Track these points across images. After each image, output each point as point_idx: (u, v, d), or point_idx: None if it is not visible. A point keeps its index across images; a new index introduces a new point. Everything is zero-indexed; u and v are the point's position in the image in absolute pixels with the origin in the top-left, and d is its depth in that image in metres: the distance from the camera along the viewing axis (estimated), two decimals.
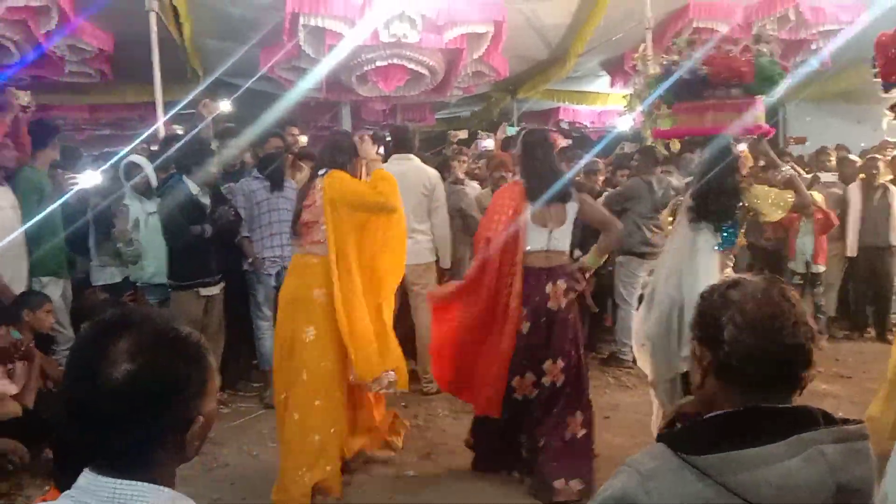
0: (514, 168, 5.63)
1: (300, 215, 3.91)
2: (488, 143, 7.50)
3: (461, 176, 6.26)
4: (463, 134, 8.69)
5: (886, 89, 3.47)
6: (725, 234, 3.73)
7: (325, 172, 3.85)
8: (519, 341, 3.85)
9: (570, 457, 3.83)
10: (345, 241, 3.81)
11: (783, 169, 3.88)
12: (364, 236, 3.93)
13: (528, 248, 3.88)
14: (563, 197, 3.91)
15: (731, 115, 3.64)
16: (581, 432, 3.90)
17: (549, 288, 3.86)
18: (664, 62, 3.86)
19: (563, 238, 3.95)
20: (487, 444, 4.07)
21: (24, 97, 4.85)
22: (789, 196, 3.72)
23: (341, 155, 3.92)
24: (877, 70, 3.44)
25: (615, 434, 4.63)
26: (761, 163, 4.33)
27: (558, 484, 3.72)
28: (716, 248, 3.71)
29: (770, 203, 3.72)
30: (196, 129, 5.48)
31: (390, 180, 3.96)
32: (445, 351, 4.08)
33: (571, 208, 3.94)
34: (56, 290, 5.06)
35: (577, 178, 6.39)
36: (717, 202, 3.65)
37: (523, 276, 3.85)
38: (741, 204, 3.70)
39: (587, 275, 4.14)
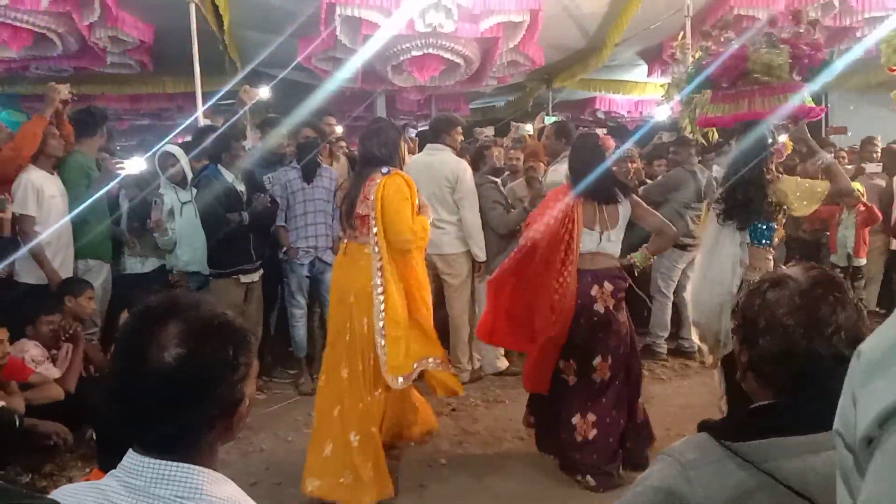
0: (546, 158, 5.62)
1: (354, 206, 3.79)
2: (528, 128, 7.42)
3: (498, 166, 6.16)
4: (489, 131, 8.63)
5: None
6: (759, 230, 3.67)
7: (389, 172, 3.75)
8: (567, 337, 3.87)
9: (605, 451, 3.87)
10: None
11: (823, 156, 3.77)
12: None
13: (581, 249, 3.87)
14: (613, 199, 3.90)
15: (774, 100, 3.57)
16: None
17: (594, 290, 3.86)
18: (701, 51, 3.82)
19: (615, 241, 3.93)
20: (544, 424, 4.11)
21: (64, 90, 4.93)
22: (819, 188, 3.62)
23: (386, 148, 3.82)
24: None
25: None
26: (803, 149, 4.23)
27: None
28: (748, 243, 3.67)
29: (798, 196, 3.62)
30: (237, 116, 5.53)
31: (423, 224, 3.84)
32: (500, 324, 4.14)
33: (624, 210, 3.93)
34: (101, 274, 5.16)
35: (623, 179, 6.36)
36: (744, 198, 3.61)
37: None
38: (769, 200, 3.63)
39: (635, 272, 4.18)
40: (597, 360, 3.88)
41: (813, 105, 3.71)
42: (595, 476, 3.81)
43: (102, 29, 7.08)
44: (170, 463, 1.13)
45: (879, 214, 6.59)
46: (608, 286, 3.87)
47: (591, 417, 3.88)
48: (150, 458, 1.14)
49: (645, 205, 4.08)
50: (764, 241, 3.71)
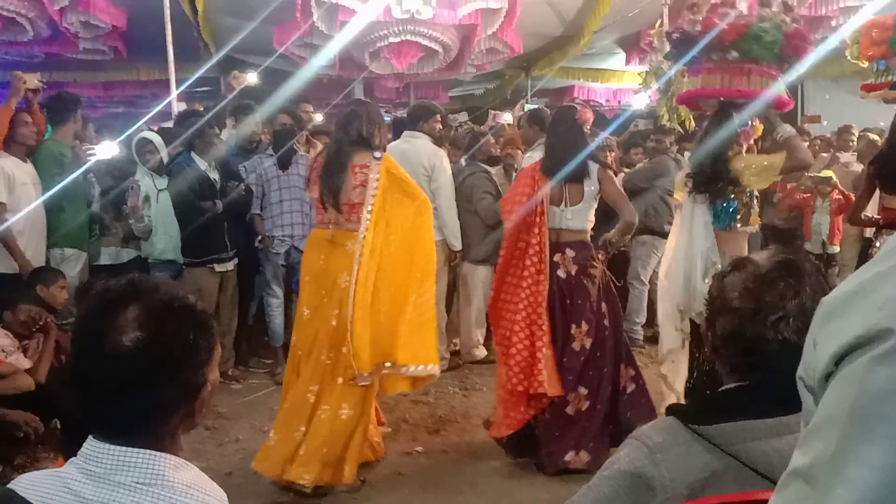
0: (523, 146, 5.60)
1: (340, 192, 3.69)
2: (507, 117, 7.40)
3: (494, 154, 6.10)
4: (463, 117, 8.62)
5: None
6: (722, 210, 3.70)
7: (380, 158, 3.71)
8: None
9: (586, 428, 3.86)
10: (381, 227, 3.71)
11: (783, 129, 3.69)
12: (399, 224, 3.78)
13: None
14: (578, 176, 3.89)
15: (747, 81, 3.60)
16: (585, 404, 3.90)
17: (556, 257, 3.89)
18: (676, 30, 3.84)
19: (576, 217, 3.93)
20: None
21: (33, 79, 4.83)
22: (775, 161, 3.62)
23: (371, 126, 3.76)
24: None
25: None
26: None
27: (569, 457, 3.78)
28: (713, 225, 3.69)
29: (753, 170, 3.65)
30: (225, 101, 5.48)
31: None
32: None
33: (590, 186, 3.92)
34: (78, 263, 5.09)
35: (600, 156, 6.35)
36: (712, 172, 3.65)
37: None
38: (731, 176, 3.66)
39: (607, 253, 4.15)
40: (573, 329, 3.87)
41: (786, 95, 3.73)
42: (589, 451, 3.78)
43: (74, 13, 6.97)
44: (130, 449, 1.12)
45: (852, 199, 6.65)
46: (569, 252, 3.90)
47: (583, 391, 3.87)
48: (109, 444, 1.12)
49: (612, 179, 4.07)
50: (729, 223, 3.74)
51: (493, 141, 6.07)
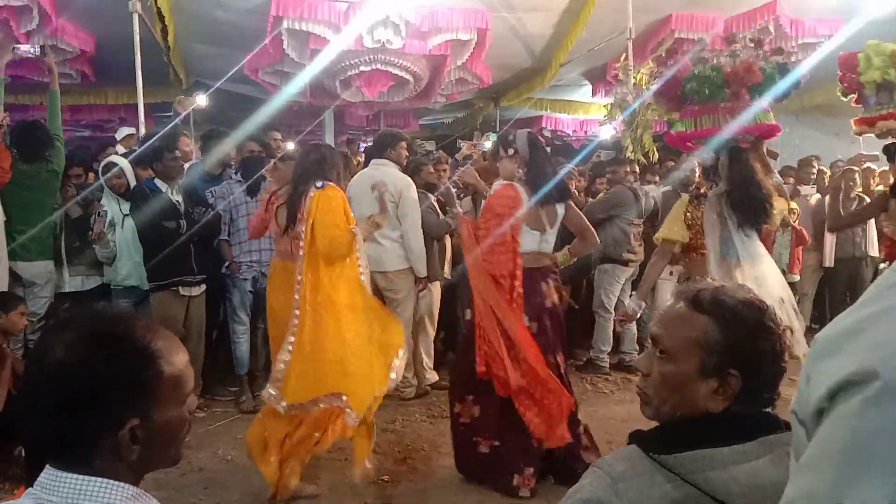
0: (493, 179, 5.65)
1: (292, 224, 3.88)
2: (487, 144, 7.48)
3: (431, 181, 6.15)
4: (430, 145, 8.69)
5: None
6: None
7: (323, 186, 3.80)
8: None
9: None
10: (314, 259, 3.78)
11: (775, 176, 3.97)
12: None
13: (521, 249, 3.92)
14: (558, 199, 3.98)
15: (726, 118, 3.71)
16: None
17: (544, 287, 3.95)
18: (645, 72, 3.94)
19: (551, 240, 4.04)
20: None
21: None
22: (785, 204, 3.87)
23: (331, 170, 3.90)
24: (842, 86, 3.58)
25: None
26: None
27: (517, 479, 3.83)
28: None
29: (777, 209, 3.87)
30: (170, 125, 5.48)
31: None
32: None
33: (561, 211, 4.01)
34: (48, 275, 5.09)
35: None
36: (753, 200, 3.75)
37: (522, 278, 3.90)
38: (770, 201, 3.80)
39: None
40: (559, 356, 3.95)
41: (773, 122, 3.83)
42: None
43: (41, 37, 6.89)
44: (86, 478, 1.10)
45: (807, 237, 6.83)
46: (552, 282, 3.99)
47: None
48: (66, 472, 1.10)
49: (576, 208, 4.18)
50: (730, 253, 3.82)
51: (431, 170, 6.10)
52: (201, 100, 7.11)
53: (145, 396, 1.13)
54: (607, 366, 6.25)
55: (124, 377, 1.12)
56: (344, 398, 3.65)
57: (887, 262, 4.50)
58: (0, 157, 4.85)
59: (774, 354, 1.37)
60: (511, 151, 3.99)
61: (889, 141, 4.36)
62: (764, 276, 3.73)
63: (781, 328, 1.41)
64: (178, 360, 1.19)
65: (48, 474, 1.12)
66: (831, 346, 0.77)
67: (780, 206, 3.87)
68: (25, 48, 4.73)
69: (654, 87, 3.96)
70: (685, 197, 4.14)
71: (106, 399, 1.11)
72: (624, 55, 6.85)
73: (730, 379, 1.36)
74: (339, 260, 3.77)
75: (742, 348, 1.36)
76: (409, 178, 5.52)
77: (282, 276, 4.13)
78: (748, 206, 3.74)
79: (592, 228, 4.19)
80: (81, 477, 1.10)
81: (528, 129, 4.38)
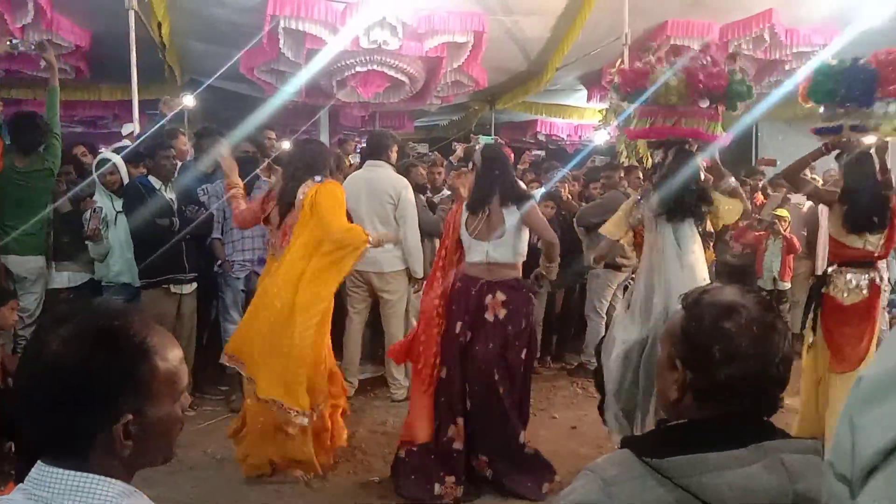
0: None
1: (285, 218, 3.93)
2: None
3: (421, 182, 6.21)
4: (423, 147, 8.71)
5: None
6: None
7: (322, 180, 3.88)
8: (449, 341, 3.95)
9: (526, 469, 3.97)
10: (301, 252, 3.84)
11: (729, 180, 4.01)
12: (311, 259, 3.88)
13: (469, 259, 4.00)
14: (500, 207, 3.95)
15: (696, 122, 3.78)
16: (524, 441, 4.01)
17: (488, 299, 3.93)
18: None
19: (503, 250, 3.97)
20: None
21: None
22: (740, 206, 3.95)
23: (324, 166, 3.96)
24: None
25: (581, 444, 4.66)
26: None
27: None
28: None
29: (724, 206, 3.92)
30: (157, 125, 5.47)
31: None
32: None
33: (512, 219, 3.94)
34: (40, 270, 5.11)
35: (553, 189, 6.46)
36: (685, 198, 3.82)
37: (463, 283, 3.98)
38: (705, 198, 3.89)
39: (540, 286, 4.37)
40: (498, 368, 3.90)
41: (713, 133, 3.87)
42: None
43: (36, 32, 6.87)
44: (77, 473, 1.09)
45: (798, 245, 6.86)
46: (500, 296, 3.93)
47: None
48: (58, 468, 1.10)
49: (538, 213, 4.11)
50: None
51: (422, 171, 6.18)
52: (188, 100, 7.10)
53: (140, 392, 1.13)
54: None
55: (119, 372, 1.11)
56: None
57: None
58: None
59: (728, 357, 1.33)
60: (470, 166, 4.13)
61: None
62: (691, 267, 3.82)
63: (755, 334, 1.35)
64: (172, 356, 1.19)
65: (39, 470, 1.11)
66: (880, 389, 0.66)
67: (732, 206, 3.92)
68: (24, 44, 4.74)
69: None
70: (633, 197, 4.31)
71: (101, 393, 1.10)
72: (620, 60, 6.87)
73: (680, 370, 1.38)
74: (350, 250, 3.84)
75: (692, 342, 1.37)
76: (406, 180, 5.52)
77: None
78: (676, 202, 3.83)
79: (552, 232, 4.17)
80: (74, 473, 1.09)
81: (493, 140, 4.52)
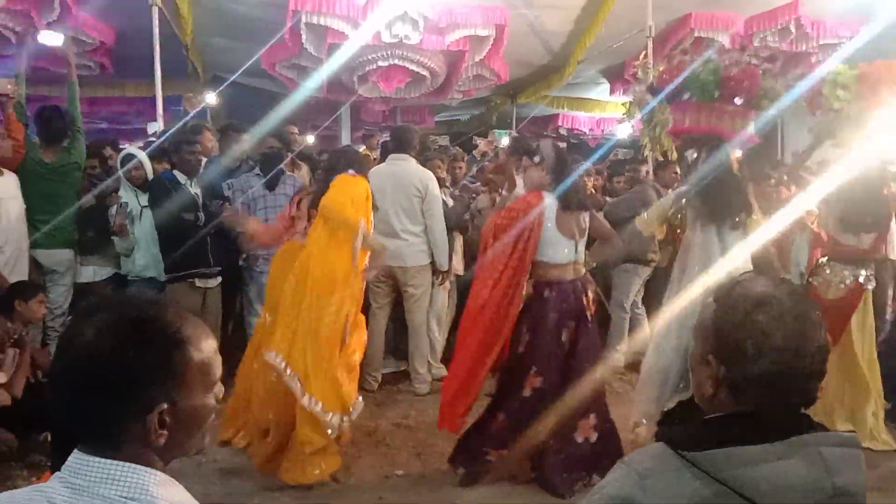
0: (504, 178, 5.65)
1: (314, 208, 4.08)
2: (504, 141, 7.49)
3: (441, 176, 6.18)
4: (444, 140, 8.69)
5: None
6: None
7: (352, 173, 4.03)
8: (558, 348, 3.87)
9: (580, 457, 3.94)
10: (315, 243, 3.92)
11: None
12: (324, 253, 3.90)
13: (553, 259, 3.89)
14: (584, 208, 4.00)
15: (728, 121, 3.73)
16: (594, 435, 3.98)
17: (585, 300, 3.94)
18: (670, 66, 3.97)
19: (581, 247, 4.03)
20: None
21: (7, 84, 4.82)
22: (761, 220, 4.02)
23: (360, 169, 4.08)
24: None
25: None
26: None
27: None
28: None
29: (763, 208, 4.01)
30: (181, 123, 5.51)
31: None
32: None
33: (586, 219, 4.02)
34: (70, 263, 5.19)
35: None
36: (726, 198, 3.82)
37: (556, 292, 3.87)
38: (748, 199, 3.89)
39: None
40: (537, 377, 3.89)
41: (743, 130, 3.85)
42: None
43: (62, 28, 6.94)
44: (115, 462, 1.10)
45: (826, 237, 6.76)
46: (591, 294, 3.99)
47: (593, 420, 3.95)
48: (95, 457, 1.11)
49: (597, 215, 4.18)
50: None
51: (440, 164, 6.10)
52: (210, 98, 7.14)
53: (174, 381, 1.14)
54: (622, 364, 6.21)
55: (154, 361, 1.12)
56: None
57: None
58: (12, 128, 4.89)
59: (761, 351, 1.30)
60: (537, 159, 3.97)
61: None
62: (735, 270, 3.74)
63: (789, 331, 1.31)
64: (206, 346, 1.19)
65: (77, 458, 1.12)
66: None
67: (758, 218, 3.98)
68: (48, 34, 4.81)
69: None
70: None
71: (136, 383, 1.11)
72: (643, 53, 6.82)
73: (714, 365, 1.35)
74: (342, 229, 3.85)
75: (724, 336, 1.34)
76: (431, 173, 5.51)
77: (289, 250, 4.24)
78: (718, 201, 3.82)
79: (616, 233, 4.23)
80: (111, 461, 1.10)
81: (547, 136, 4.47)
